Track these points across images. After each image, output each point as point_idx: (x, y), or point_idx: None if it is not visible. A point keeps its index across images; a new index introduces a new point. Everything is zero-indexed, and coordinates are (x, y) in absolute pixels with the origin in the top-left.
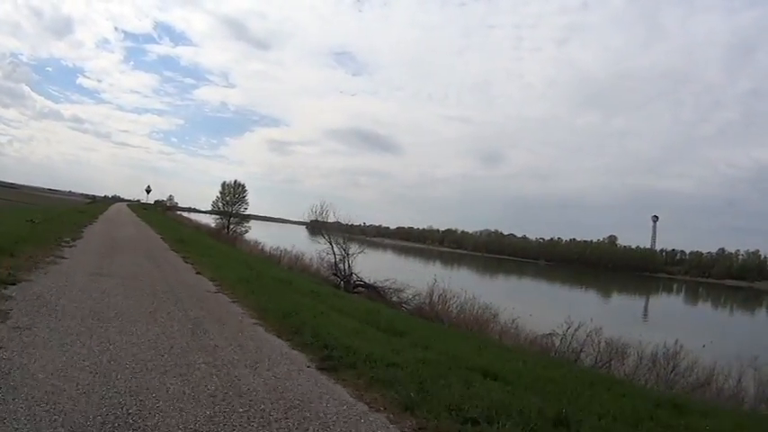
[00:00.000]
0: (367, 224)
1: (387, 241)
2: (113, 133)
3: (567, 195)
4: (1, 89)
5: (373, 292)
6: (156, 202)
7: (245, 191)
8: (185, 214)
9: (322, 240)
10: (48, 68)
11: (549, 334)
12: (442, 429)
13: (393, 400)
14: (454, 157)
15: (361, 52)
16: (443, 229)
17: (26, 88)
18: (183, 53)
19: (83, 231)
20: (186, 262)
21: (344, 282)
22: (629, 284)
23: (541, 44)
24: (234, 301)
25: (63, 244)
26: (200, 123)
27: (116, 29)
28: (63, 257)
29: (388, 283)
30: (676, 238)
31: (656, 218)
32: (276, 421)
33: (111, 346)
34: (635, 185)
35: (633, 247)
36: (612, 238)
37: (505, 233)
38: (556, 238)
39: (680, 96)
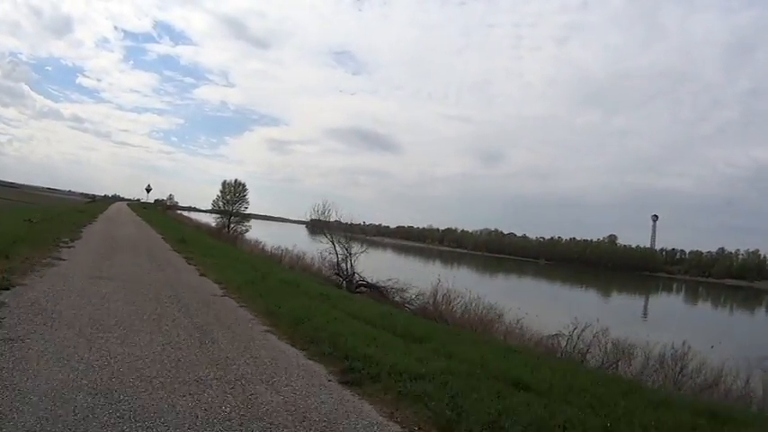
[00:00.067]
0: (367, 223)
1: (387, 240)
2: (113, 132)
3: (567, 194)
4: (0, 88)
5: (376, 291)
6: (156, 201)
7: (246, 190)
8: (185, 213)
9: (322, 239)
10: (47, 67)
11: (556, 335)
12: None
13: (427, 419)
14: (454, 156)
15: (360, 51)
16: (443, 229)
17: (26, 87)
18: (183, 52)
19: (82, 231)
20: (189, 263)
21: (347, 281)
22: (629, 284)
23: (541, 43)
24: (241, 306)
25: (61, 245)
26: (200, 123)
27: (116, 28)
28: (61, 259)
29: (390, 282)
30: (675, 237)
31: (655, 217)
32: None
33: (112, 360)
34: (634, 184)
35: (633, 246)
36: (612, 238)
37: (505, 232)
38: (556, 237)
39: (679, 95)
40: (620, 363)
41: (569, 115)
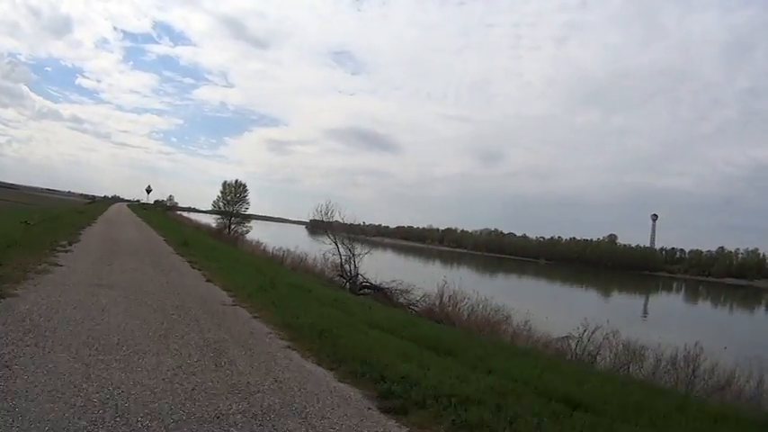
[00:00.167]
0: (366, 223)
1: (386, 240)
2: (113, 133)
3: (567, 194)
4: None
5: (380, 293)
6: (155, 202)
7: (247, 190)
8: (185, 214)
9: (322, 240)
10: (46, 68)
11: (566, 337)
12: None
13: None
14: (453, 155)
15: (359, 51)
16: (443, 229)
17: (25, 88)
18: (183, 53)
19: (80, 234)
20: (194, 267)
21: (350, 283)
22: (629, 283)
23: (540, 43)
24: (255, 317)
25: (59, 248)
26: (200, 123)
27: (115, 28)
28: (58, 264)
29: (394, 284)
30: (675, 237)
31: (655, 216)
32: None
33: (115, 392)
34: (634, 184)
35: (633, 245)
36: (612, 237)
37: (505, 232)
38: (556, 236)
39: (678, 94)
40: (630, 364)
41: (569, 115)
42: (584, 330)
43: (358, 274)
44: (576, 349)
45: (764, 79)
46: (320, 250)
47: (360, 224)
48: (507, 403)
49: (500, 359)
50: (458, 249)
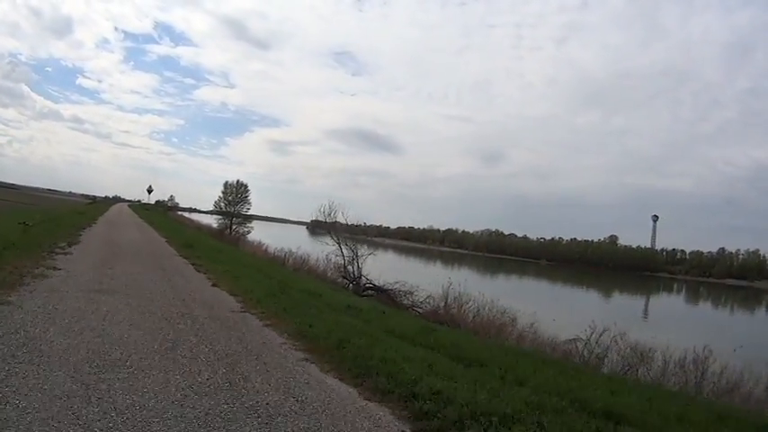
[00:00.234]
0: (367, 224)
1: (387, 241)
2: (114, 134)
3: (568, 194)
4: (0, 89)
5: (383, 294)
6: (156, 202)
7: (248, 191)
8: (186, 214)
9: (323, 240)
10: (47, 68)
11: (573, 339)
12: None
13: None
14: (454, 156)
15: (361, 52)
16: (444, 229)
17: (25, 88)
18: (184, 53)
19: (81, 235)
20: (198, 270)
21: (354, 284)
22: (630, 284)
23: (541, 43)
24: (266, 325)
25: (57, 251)
26: (201, 124)
27: (116, 29)
28: (56, 268)
29: (397, 285)
30: (675, 237)
31: (656, 217)
32: None
33: (119, 420)
34: (635, 184)
35: (633, 246)
36: (613, 238)
37: (506, 233)
38: (557, 237)
39: (679, 95)
40: (639, 367)
41: (570, 115)
42: (592, 333)
43: (361, 276)
44: (583, 352)
45: (765, 80)
46: (323, 251)
47: (360, 225)
48: (548, 420)
49: (526, 368)
50: (459, 250)
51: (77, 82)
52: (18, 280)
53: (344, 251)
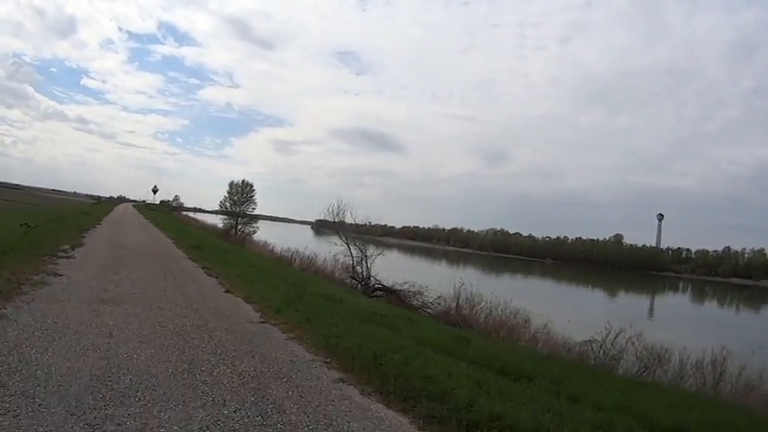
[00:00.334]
0: (372, 223)
1: (392, 240)
2: (118, 134)
3: (572, 193)
4: (4, 89)
5: (393, 295)
6: (161, 202)
7: (254, 190)
8: (191, 214)
9: (330, 240)
10: (52, 69)
11: (589, 341)
12: None
13: None
14: (459, 155)
15: (364, 52)
16: (449, 228)
17: (30, 89)
18: (188, 53)
19: (84, 237)
20: (209, 275)
21: (363, 285)
22: (636, 283)
23: (545, 43)
24: (291, 338)
25: (59, 254)
26: (205, 124)
27: (120, 29)
28: (57, 274)
29: (407, 286)
30: (680, 236)
31: (661, 216)
32: None
33: None
34: (639, 183)
35: (639, 245)
36: (619, 237)
37: (511, 232)
38: (562, 236)
39: (683, 94)
40: (656, 369)
41: (573, 114)
42: (608, 334)
43: (370, 276)
44: (598, 353)
45: None
46: (330, 251)
47: (365, 224)
48: None
49: (576, 381)
50: (464, 249)
51: (82, 82)
52: (15, 288)
53: (353, 251)
